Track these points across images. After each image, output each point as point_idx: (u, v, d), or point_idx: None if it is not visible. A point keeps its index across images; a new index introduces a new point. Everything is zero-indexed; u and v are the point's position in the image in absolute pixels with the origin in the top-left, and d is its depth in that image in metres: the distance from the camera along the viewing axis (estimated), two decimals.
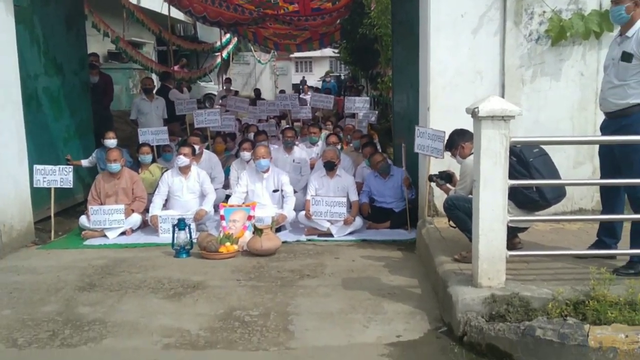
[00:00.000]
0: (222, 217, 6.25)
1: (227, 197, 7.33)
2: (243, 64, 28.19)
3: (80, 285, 4.86)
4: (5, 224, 5.96)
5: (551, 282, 3.96)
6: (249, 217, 6.19)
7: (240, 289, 4.73)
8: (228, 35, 20.10)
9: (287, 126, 9.52)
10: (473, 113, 3.77)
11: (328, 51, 28.26)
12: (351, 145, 8.96)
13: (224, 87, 16.53)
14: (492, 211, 3.81)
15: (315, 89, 20.03)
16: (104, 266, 5.40)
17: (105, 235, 6.55)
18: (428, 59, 5.69)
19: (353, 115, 10.72)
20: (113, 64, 15.95)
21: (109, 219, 6.54)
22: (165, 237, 6.29)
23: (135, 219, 6.78)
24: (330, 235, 6.46)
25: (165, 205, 7.00)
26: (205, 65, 20.32)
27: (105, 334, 3.94)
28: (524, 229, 4.68)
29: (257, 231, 5.70)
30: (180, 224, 5.77)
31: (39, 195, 6.69)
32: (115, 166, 6.83)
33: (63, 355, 3.69)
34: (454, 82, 5.66)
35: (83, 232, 6.62)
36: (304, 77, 36.16)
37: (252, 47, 25.82)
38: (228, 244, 5.69)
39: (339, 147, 7.95)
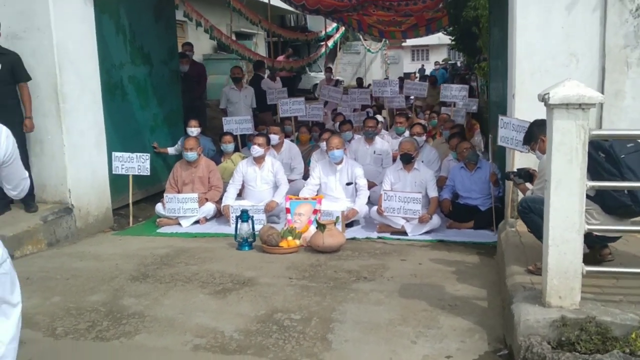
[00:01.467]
0: (288, 210, 5.99)
1: None
2: (353, 53, 27.85)
3: (134, 275, 4.81)
4: (81, 209, 6.12)
5: None
6: (315, 211, 5.86)
7: (289, 288, 4.43)
8: (335, 25, 19.85)
9: (370, 116, 9.04)
10: (544, 100, 3.17)
11: (446, 38, 27.01)
12: (443, 136, 8.35)
13: (325, 77, 16.34)
14: (566, 218, 3.20)
15: (421, 77, 19.19)
16: (164, 256, 5.34)
17: (179, 224, 6.57)
18: (514, 40, 5.02)
19: (454, 105, 10.04)
20: (220, 55, 16.34)
21: (182, 207, 6.54)
22: None
23: (209, 208, 6.73)
24: (405, 233, 5.99)
25: (240, 195, 6.90)
26: (311, 55, 20.24)
27: (141, 329, 3.81)
28: (616, 238, 3.95)
29: (320, 226, 5.38)
30: (244, 216, 5.59)
31: (122, 182, 6.84)
32: (191, 155, 6.82)
33: (94, 348, 3.60)
34: (544, 66, 4.94)
35: (158, 220, 6.68)
36: (422, 65, 35.13)
37: (361, 36, 25.42)
38: (290, 238, 5.43)
39: (423, 138, 7.38)
